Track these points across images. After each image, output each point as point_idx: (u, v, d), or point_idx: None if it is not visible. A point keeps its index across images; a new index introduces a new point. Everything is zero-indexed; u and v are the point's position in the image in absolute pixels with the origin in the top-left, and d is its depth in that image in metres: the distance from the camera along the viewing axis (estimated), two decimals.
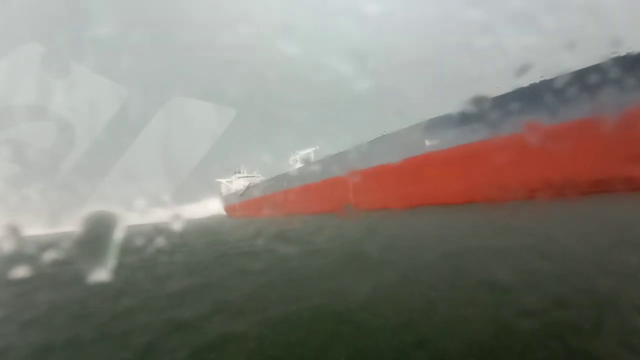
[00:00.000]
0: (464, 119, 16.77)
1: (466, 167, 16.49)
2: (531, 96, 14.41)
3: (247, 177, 47.40)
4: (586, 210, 9.64)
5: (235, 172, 49.59)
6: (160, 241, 10.09)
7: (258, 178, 45.72)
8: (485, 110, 15.60)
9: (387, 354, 2.73)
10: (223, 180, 51.05)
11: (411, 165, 19.34)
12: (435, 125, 18.23)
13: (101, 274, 5.06)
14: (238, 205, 45.27)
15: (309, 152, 35.68)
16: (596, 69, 12.86)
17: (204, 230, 18.52)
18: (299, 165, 35.17)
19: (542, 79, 14.31)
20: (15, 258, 7.48)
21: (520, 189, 12.81)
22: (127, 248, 7.24)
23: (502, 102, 15.23)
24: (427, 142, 18.52)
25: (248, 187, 42.48)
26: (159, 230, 11.75)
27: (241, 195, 43.80)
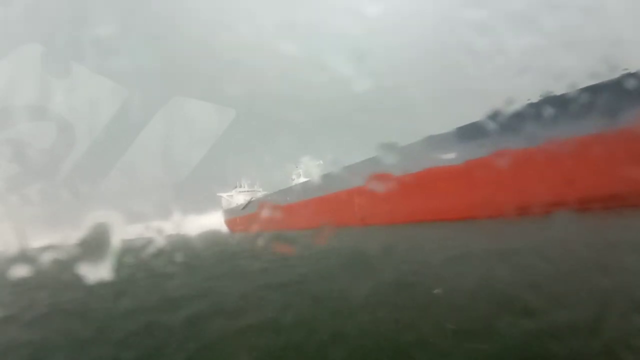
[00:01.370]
0: (471, 133, 16.84)
1: (474, 181, 16.35)
2: (540, 110, 14.58)
3: (248, 191, 47.35)
4: (593, 222, 9.59)
5: (235, 187, 49.56)
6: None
7: (259, 192, 45.73)
8: (497, 124, 15.76)
9: (387, 354, 2.72)
10: (224, 195, 50.99)
11: (417, 180, 19.28)
12: (442, 139, 18.31)
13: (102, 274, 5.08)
14: (239, 219, 45.11)
15: (312, 165, 35.81)
16: (607, 85, 13.10)
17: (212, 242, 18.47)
18: (302, 179, 35.26)
19: (551, 94, 14.57)
20: (18, 259, 7.51)
21: (527, 204, 12.74)
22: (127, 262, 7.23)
23: (512, 116, 15.37)
24: (433, 157, 18.55)
25: (250, 202, 42.47)
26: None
27: (243, 209, 43.74)
